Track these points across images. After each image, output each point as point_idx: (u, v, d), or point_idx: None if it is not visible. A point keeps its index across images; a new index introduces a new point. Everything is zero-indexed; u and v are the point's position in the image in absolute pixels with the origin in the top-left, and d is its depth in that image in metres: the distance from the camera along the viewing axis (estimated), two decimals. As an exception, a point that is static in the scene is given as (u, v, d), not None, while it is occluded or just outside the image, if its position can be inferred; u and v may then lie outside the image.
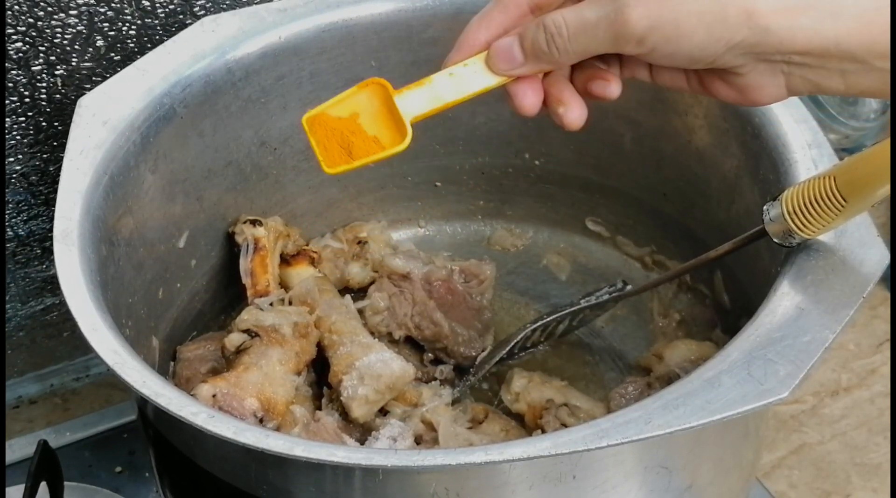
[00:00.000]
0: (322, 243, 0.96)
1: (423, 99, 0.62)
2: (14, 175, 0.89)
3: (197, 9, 0.87)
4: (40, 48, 0.83)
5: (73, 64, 0.85)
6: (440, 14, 0.86)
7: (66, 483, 0.83)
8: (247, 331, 0.80)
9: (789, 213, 0.65)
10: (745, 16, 0.53)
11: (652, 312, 0.94)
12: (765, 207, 0.67)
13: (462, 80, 0.62)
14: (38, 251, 0.94)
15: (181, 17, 0.87)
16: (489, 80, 0.61)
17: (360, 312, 0.89)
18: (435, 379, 0.88)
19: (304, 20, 0.84)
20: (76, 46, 0.84)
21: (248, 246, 0.88)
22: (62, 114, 0.87)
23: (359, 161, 0.62)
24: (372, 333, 0.87)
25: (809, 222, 0.64)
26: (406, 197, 1.00)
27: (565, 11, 0.57)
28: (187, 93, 0.80)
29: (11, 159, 0.88)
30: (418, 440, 0.79)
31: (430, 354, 0.90)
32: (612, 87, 0.61)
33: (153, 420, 0.70)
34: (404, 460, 0.57)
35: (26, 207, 0.91)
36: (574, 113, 0.61)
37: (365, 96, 0.62)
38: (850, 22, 0.53)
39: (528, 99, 0.61)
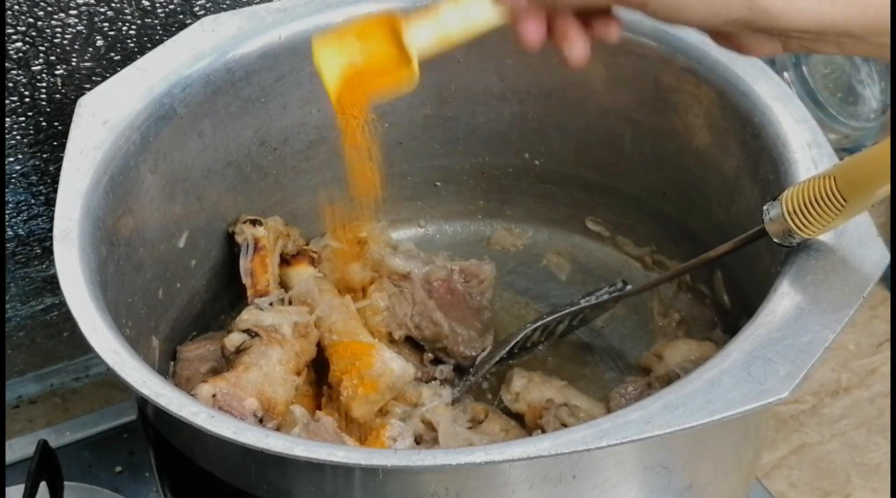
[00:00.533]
0: (322, 243, 0.96)
1: (429, 32, 0.62)
2: (14, 175, 0.89)
3: (197, 8, 0.87)
4: (40, 48, 0.83)
5: (73, 64, 0.85)
6: (440, 14, 0.86)
7: (65, 483, 0.83)
8: (247, 331, 0.80)
9: (789, 213, 0.65)
10: None
11: (652, 311, 0.94)
12: (765, 207, 0.67)
13: (468, 14, 0.62)
14: (38, 251, 0.94)
15: (181, 16, 0.87)
16: (494, 16, 0.62)
17: (360, 311, 0.89)
18: (435, 379, 0.88)
19: (303, 20, 0.84)
20: (76, 46, 0.84)
21: (248, 246, 0.88)
22: (62, 114, 0.87)
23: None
24: (372, 333, 0.87)
25: (809, 222, 0.64)
26: (406, 197, 1.00)
27: None
28: (187, 93, 0.80)
29: (11, 159, 0.88)
30: (418, 440, 0.79)
31: (430, 354, 0.90)
32: (612, 30, 0.62)
33: (153, 420, 0.70)
34: (404, 460, 0.57)
35: (26, 207, 0.91)
36: (578, 49, 0.62)
37: (374, 25, 0.63)
38: (847, 6, 0.54)
39: (532, 33, 0.62)
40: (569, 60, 0.62)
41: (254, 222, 0.88)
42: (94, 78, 0.86)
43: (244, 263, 0.87)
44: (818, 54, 0.62)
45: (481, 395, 0.89)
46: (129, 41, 0.86)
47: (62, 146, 0.74)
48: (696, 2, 0.55)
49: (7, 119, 0.85)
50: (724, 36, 0.59)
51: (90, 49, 0.85)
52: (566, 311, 0.89)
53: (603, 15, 0.62)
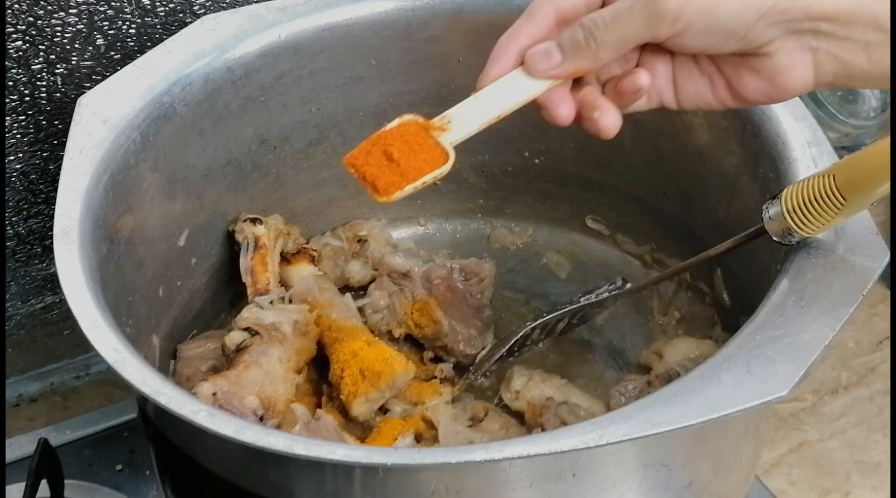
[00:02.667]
0: (322, 241, 0.96)
1: (461, 121, 0.63)
2: (14, 173, 0.89)
3: (197, 7, 0.87)
4: (40, 47, 0.83)
5: (73, 62, 0.85)
6: (440, 13, 0.86)
7: (66, 481, 0.83)
8: (247, 329, 0.80)
9: (789, 212, 0.65)
10: None
11: (652, 309, 0.94)
12: (764, 206, 0.67)
13: (498, 95, 0.63)
14: (39, 250, 0.94)
15: (181, 15, 0.87)
16: (526, 90, 0.62)
17: (361, 310, 0.89)
18: (435, 377, 0.88)
19: (303, 19, 0.84)
20: (76, 45, 0.84)
21: (248, 244, 0.88)
22: (62, 112, 0.87)
23: (411, 180, 0.62)
24: (372, 331, 0.87)
25: (809, 221, 0.64)
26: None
27: (600, 10, 0.59)
28: (187, 91, 0.80)
29: (12, 158, 0.88)
30: (418, 438, 0.79)
31: (430, 353, 0.90)
32: (641, 77, 0.62)
33: (153, 418, 0.70)
34: (404, 458, 0.57)
35: (26, 206, 0.91)
36: (609, 117, 0.63)
37: (402, 128, 0.63)
38: None
39: (563, 108, 0.63)
40: (600, 131, 0.63)
41: (254, 221, 0.88)
42: (94, 77, 0.86)
43: (244, 262, 0.88)
44: (848, 87, 0.62)
45: (481, 393, 0.89)
46: (129, 40, 0.86)
47: (62, 145, 0.74)
48: None
49: (7, 118, 0.85)
50: (753, 67, 0.59)
51: (90, 48, 0.85)
52: (566, 309, 0.89)
53: (629, 72, 0.62)
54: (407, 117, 0.64)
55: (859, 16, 0.55)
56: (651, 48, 0.62)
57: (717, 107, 0.63)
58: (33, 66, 0.84)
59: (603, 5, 0.61)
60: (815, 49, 0.57)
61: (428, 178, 0.62)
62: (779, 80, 0.59)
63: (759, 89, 0.60)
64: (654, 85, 0.63)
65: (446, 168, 0.63)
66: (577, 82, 0.64)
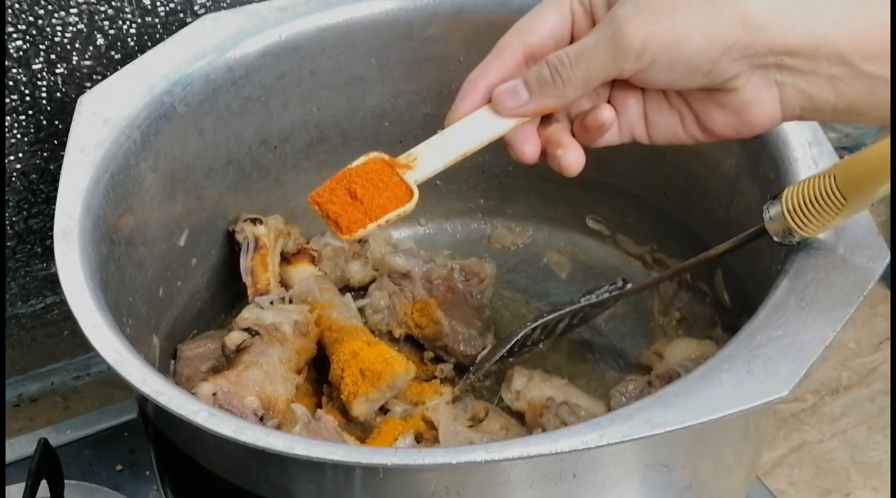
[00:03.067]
0: (322, 242, 0.96)
1: (427, 159, 0.63)
2: (14, 173, 0.89)
3: (197, 7, 0.87)
4: (41, 47, 0.83)
5: (74, 62, 0.85)
6: (441, 13, 0.86)
7: (66, 481, 0.83)
8: (247, 329, 0.80)
9: (789, 212, 0.65)
10: (738, 15, 0.55)
11: (652, 310, 0.94)
12: (765, 206, 0.67)
13: (466, 133, 0.63)
14: (39, 249, 0.94)
15: (181, 15, 0.87)
16: (493, 128, 0.62)
17: (361, 310, 0.89)
18: (435, 377, 0.88)
19: (304, 18, 0.84)
20: (77, 45, 0.84)
21: (248, 244, 0.88)
22: (63, 112, 0.87)
23: (374, 218, 0.62)
24: (372, 332, 0.87)
25: (809, 221, 0.64)
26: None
27: (566, 47, 0.59)
28: (188, 91, 0.80)
29: (12, 158, 0.88)
30: (418, 439, 0.79)
31: (430, 353, 0.90)
32: (604, 113, 0.62)
33: (154, 418, 0.70)
34: (404, 459, 0.57)
35: (27, 206, 0.91)
36: (571, 155, 0.63)
37: (367, 166, 0.63)
38: (833, 21, 0.55)
39: (528, 146, 0.63)
40: (562, 169, 0.63)
41: (254, 221, 0.89)
42: (94, 76, 0.86)
43: (245, 262, 0.88)
44: (816, 120, 0.62)
45: (482, 393, 0.89)
46: (129, 40, 0.86)
47: (62, 145, 0.74)
48: (691, 31, 0.55)
49: (7, 117, 0.85)
50: (720, 103, 0.59)
51: (91, 47, 0.85)
52: (566, 309, 0.89)
53: (593, 109, 0.62)
54: (373, 155, 0.64)
55: (823, 50, 0.55)
56: (622, 84, 0.62)
57: (688, 141, 0.63)
58: (34, 66, 0.84)
59: (571, 41, 0.61)
60: (780, 83, 0.57)
61: (391, 216, 0.63)
62: (746, 114, 0.59)
63: (728, 124, 0.60)
64: (625, 120, 0.63)
65: (410, 206, 0.63)
66: (546, 119, 0.64)
